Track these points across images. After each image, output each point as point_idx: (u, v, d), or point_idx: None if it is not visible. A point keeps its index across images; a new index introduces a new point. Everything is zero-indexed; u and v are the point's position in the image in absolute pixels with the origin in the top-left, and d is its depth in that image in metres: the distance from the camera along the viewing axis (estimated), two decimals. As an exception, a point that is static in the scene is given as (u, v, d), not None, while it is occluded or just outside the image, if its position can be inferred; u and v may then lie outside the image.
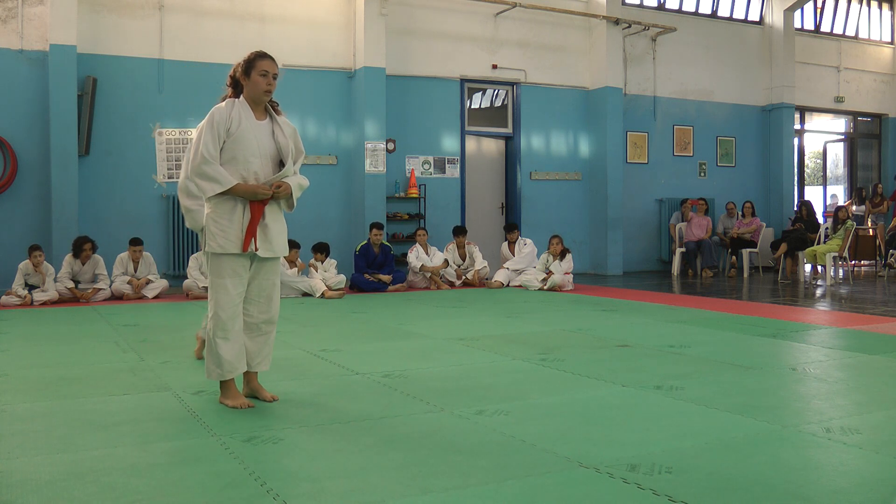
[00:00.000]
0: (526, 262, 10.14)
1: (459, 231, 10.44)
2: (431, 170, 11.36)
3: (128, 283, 8.71)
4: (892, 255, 12.21)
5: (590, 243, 12.51)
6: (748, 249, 11.86)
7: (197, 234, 9.67)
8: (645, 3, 13.07)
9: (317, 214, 10.58)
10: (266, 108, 3.72)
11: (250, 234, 3.54)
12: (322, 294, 8.76)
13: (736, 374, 4.23)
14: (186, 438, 3.05)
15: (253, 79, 3.60)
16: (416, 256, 9.95)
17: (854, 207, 13.99)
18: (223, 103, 3.65)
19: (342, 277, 9.30)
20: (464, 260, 10.43)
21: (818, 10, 15.00)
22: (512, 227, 10.64)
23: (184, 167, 4.22)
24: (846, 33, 15.31)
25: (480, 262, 10.36)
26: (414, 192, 11.03)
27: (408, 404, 3.61)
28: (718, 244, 12.32)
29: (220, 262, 3.55)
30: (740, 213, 12.55)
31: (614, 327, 6.16)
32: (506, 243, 10.61)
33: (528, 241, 10.41)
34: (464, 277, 10.24)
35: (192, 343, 5.51)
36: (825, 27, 15.12)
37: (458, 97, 11.56)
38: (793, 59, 14.02)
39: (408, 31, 11.18)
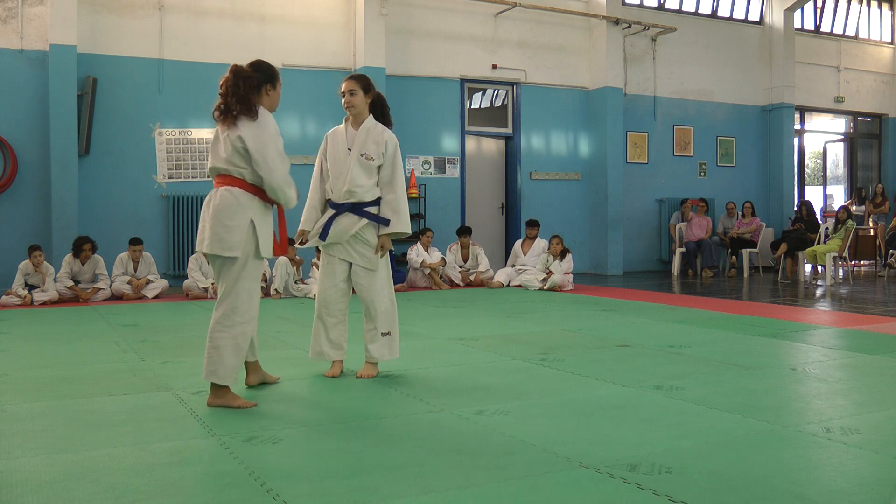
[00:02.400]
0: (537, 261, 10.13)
1: (464, 231, 10.42)
2: (431, 170, 11.36)
3: (127, 283, 8.71)
4: (892, 255, 12.21)
5: (590, 243, 12.51)
6: (748, 249, 11.86)
7: (194, 236, 9.70)
8: (645, 3, 13.06)
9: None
10: None
11: (284, 239, 3.83)
12: (315, 295, 8.77)
13: (736, 374, 4.23)
14: (186, 438, 3.05)
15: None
16: (417, 254, 9.96)
17: (854, 207, 13.99)
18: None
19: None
20: (465, 261, 10.41)
21: (818, 10, 15.00)
22: (534, 223, 10.45)
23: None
24: (846, 33, 15.31)
25: (485, 265, 10.32)
26: (414, 192, 11.02)
27: (408, 404, 3.61)
28: (718, 244, 12.32)
29: (257, 267, 3.65)
30: (740, 213, 12.55)
31: (614, 327, 6.16)
32: (520, 241, 10.53)
33: (544, 241, 10.37)
34: (468, 279, 10.22)
35: (191, 343, 5.51)
36: (825, 27, 15.12)
37: (458, 97, 11.56)
38: (793, 59, 14.02)
39: (408, 31, 11.18)
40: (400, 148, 4.30)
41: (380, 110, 4.29)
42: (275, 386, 4.02)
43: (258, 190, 3.60)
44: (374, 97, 4.25)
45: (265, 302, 8.36)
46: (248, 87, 3.58)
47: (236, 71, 3.61)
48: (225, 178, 3.60)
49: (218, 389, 3.57)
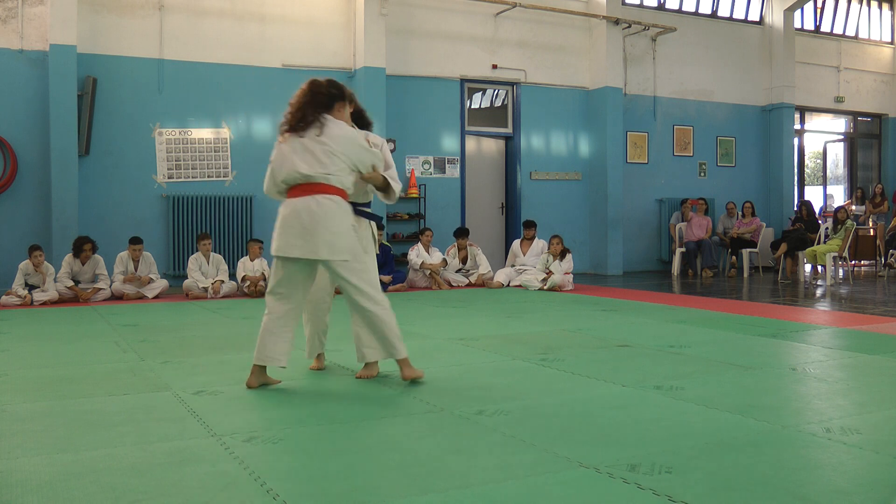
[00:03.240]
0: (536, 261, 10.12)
1: (461, 233, 10.40)
2: (431, 170, 11.36)
3: (124, 281, 8.67)
4: (892, 255, 12.21)
5: (590, 243, 12.50)
6: (748, 249, 11.86)
7: (194, 236, 9.72)
8: (645, 3, 13.06)
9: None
10: None
11: None
12: None
13: (736, 374, 4.23)
14: (186, 438, 3.05)
15: None
16: (417, 254, 9.96)
17: (854, 208, 13.99)
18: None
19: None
20: (464, 262, 10.39)
21: (818, 10, 15.00)
22: (531, 224, 10.49)
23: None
24: (846, 33, 15.31)
25: (486, 266, 10.29)
26: (414, 192, 11.03)
27: (408, 404, 3.61)
28: (718, 244, 12.32)
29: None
30: (740, 213, 12.55)
31: (614, 327, 6.16)
32: (518, 241, 10.54)
33: (542, 241, 10.37)
34: (468, 281, 10.19)
35: (191, 343, 5.51)
36: (825, 27, 15.12)
37: (458, 97, 11.56)
38: (793, 59, 14.02)
39: (408, 31, 11.18)
40: (398, 148, 4.38)
41: (356, 114, 4.32)
42: (275, 386, 4.02)
43: (346, 194, 3.91)
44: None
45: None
46: (323, 101, 3.85)
47: (314, 83, 3.88)
48: (320, 185, 3.79)
49: (406, 363, 3.95)
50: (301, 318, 4.12)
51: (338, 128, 3.85)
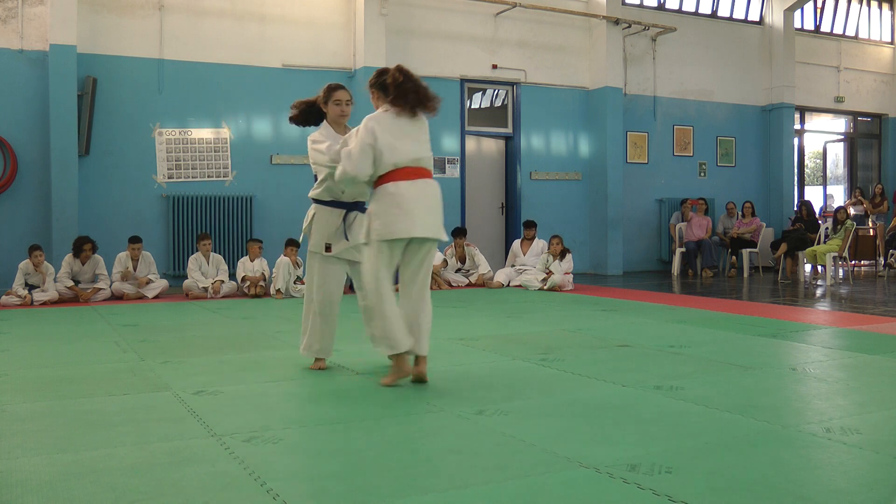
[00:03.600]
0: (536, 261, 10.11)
1: (457, 232, 10.39)
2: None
3: (121, 279, 8.66)
4: (892, 255, 12.21)
5: (590, 243, 12.50)
6: (748, 249, 11.86)
7: (194, 236, 9.72)
8: (645, 3, 13.06)
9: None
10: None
11: None
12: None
13: (736, 374, 4.23)
14: (186, 438, 3.05)
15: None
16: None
17: (851, 211, 13.98)
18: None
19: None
20: (462, 262, 10.39)
21: (818, 10, 15.00)
22: (531, 224, 10.49)
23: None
24: (846, 33, 15.30)
25: (485, 266, 10.28)
26: (414, 192, 10.99)
27: (408, 404, 3.61)
28: (718, 244, 12.32)
29: None
30: (740, 213, 12.55)
31: (614, 327, 6.16)
32: (518, 241, 10.53)
33: (542, 241, 10.36)
34: (468, 281, 10.18)
35: (191, 343, 5.51)
36: (825, 27, 15.12)
37: (458, 97, 11.55)
38: (793, 59, 14.02)
39: (408, 31, 11.18)
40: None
41: None
42: (275, 386, 4.02)
43: None
44: None
45: (266, 302, 8.36)
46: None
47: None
48: (425, 169, 3.95)
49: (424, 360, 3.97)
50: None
51: (424, 116, 4.04)
